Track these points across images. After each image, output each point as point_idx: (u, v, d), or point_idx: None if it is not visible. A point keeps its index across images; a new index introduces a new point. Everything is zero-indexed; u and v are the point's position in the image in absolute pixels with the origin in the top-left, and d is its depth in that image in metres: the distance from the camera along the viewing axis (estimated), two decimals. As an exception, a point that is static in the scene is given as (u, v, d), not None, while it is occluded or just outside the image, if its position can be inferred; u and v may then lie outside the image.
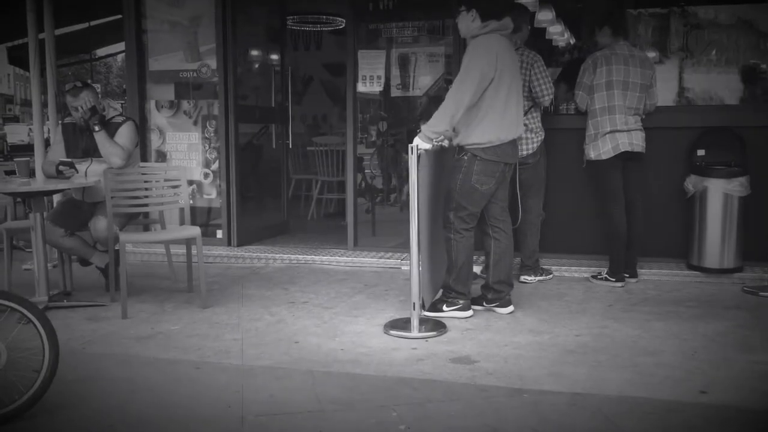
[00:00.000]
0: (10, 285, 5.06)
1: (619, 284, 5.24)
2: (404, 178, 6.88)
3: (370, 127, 7.34)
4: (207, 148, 6.70)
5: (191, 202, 5.87)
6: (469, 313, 4.49)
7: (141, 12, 6.74)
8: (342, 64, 6.60)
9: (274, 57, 7.62)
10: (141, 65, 6.78)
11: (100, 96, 5.48)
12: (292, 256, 6.25)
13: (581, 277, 5.53)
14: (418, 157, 4.12)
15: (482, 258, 5.04)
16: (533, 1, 6.42)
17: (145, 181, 5.21)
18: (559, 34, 8.73)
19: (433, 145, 4.23)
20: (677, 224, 5.61)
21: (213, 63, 6.58)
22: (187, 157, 6.74)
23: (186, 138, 6.75)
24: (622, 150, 5.15)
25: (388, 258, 6.06)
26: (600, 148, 5.20)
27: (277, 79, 7.53)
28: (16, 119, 37.24)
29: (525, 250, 5.41)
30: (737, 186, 5.25)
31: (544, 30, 8.20)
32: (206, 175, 6.72)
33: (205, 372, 3.59)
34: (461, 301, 4.47)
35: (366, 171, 7.65)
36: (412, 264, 4.12)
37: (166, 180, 5.31)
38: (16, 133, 25.28)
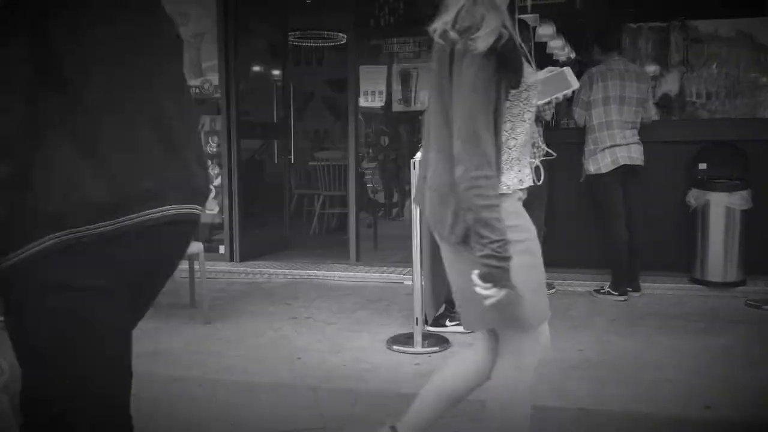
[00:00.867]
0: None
1: (622, 298, 5.23)
2: (406, 193, 6.89)
3: (372, 142, 7.37)
4: (209, 163, 6.72)
5: (194, 217, 5.86)
6: (472, 328, 4.47)
7: (144, 29, 6.76)
8: (344, 80, 6.63)
9: (276, 72, 7.66)
10: (143, 81, 6.79)
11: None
12: (295, 271, 6.24)
13: (584, 292, 5.52)
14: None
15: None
16: (534, 16, 6.44)
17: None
18: (559, 49, 8.75)
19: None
20: (679, 238, 5.60)
21: (215, 79, 6.60)
22: (190, 173, 6.74)
23: (188, 154, 6.75)
24: (622, 163, 5.16)
25: (391, 273, 6.06)
26: (599, 162, 5.21)
27: (279, 94, 7.55)
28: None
29: None
30: (739, 200, 5.26)
31: (544, 44, 8.22)
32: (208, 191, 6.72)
33: (207, 389, 3.58)
34: (464, 316, 4.45)
35: (368, 185, 7.66)
36: (415, 279, 4.12)
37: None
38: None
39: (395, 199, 8.42)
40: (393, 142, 6.98)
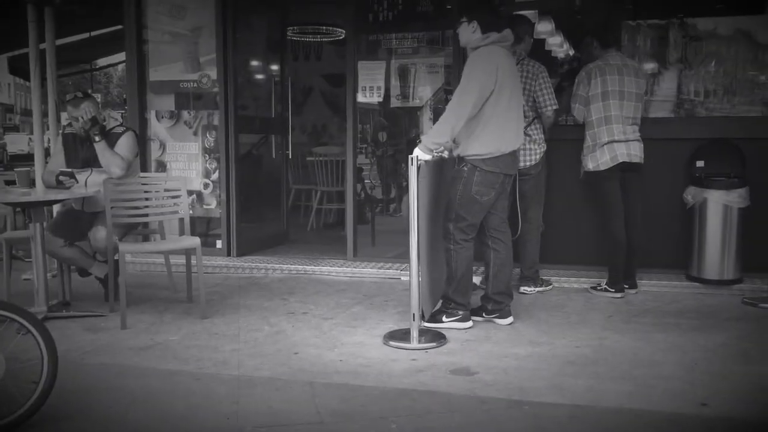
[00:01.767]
0: (9, 295, 5.06)
1: (618, 295, 5.24)
2: (404, 189, 6.88)
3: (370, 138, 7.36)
4: (207, 158, 6.71)
5: (191, 212, 5.86)
6: (469, 324, 4.48)
7: (142, 23, 6.76)
8: (342, 75, 6.62)
9: (274, 67, 7.65)
10: (141, 75, 6.80)
11: (100, 106, 5.49)
12: (292, 267, 6.24)
13: (581, 288, 5.52)
14: (418, 167, 4.12)
15: (482, 269, 5.04)
16: (533, 12, 6.44)
17: (145, 192, 5.21)
18: (558, 46, 8.76)
19: (433, 156, 4.23)
20: (677, 235, 5.61)
21: (213, 73, 6.60)
22: (187, 168, 6.75)
23: (186, 148, 6.76)
24: (621, 161, 5.15)
25: (388, 268, 6.06)
26: (598, 159, 5.20)
27: (277, 89, 7.54)
28: (16, 129, 37.31)
29: (525, 261, 5.40)
30: (736, 197, 5.26)
31: (543, 41, 8.23)
32: (206, 186, 6.73)
33: (203, 383, 3.58)
34: (461, 312, 4.47)
35: (366, 181, 7.65)
36: (412, 274, 4.12)
37: (165, 190, 5.30)
38: (16, 143, 25.34)
39: (393, 194, 8.41)
40: (391, 137, 6.97)
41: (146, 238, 6.06)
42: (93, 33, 10.29)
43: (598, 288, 5.35)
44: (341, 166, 7.81)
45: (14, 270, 5.44)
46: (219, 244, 6.68)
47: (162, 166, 6.80)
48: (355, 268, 6.15)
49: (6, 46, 10.11)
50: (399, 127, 6.95)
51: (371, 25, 6.38)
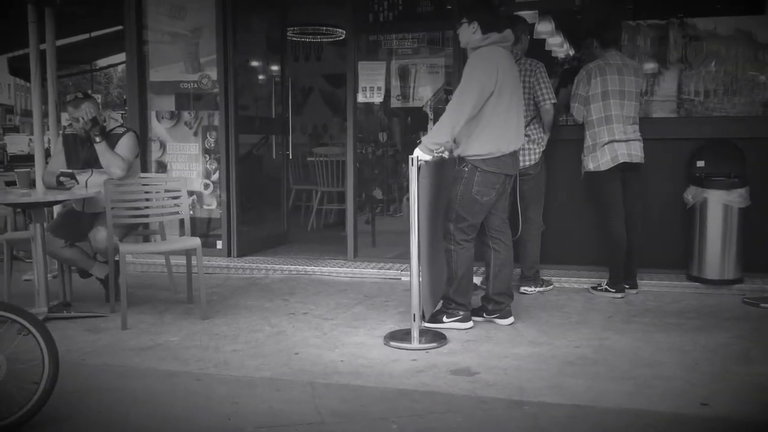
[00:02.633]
0: (9, 296, 5.06)
1: (619, 295, 5.24)
2: (404, 189, 6.88)
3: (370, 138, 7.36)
4: (207, 158, 6.71)
5: (191, 212, 5.87)
6: (470, 324, 4.48)
7: (142, 23, 6.76)
8: (342, 75, 6.62)
9: (275, 68, 7.65)
10: (142, 76, 6.80)
11: (100, 107, 5.49)
12: (292, 267, 6.24)
13: (581, 288, 5.52)
14: (418, 168, 4.12)
15: (482, 269, 5.04)
16: (532, 13, 6.44)
17: (146, 192, 5.21)
18: (558, 46, 8.76)
19: (433, 157, 4.23)
20: (677, 235, 5.61)
21: (213, 74, 6.60)
22: (188, 168, 6.75)
23: (186, 149, 6.76)
24: (621, 161, 5.15)
25: (388, 269, 6.06)
26: (599, 159, 5.20)
27: (278, 89, 7.54)
28: (16, 129, 37.33)
29: (525, 261, 5.40)
30: (737, 197, 5.26)
31: (543, 41, 8.22)
32: (206, 186, 6.73)
33: (204, 383, 3.58)
34: (461, 313, 4.47)
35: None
36: (412, 275, 4.12)
37: (166, 191, 5.30)
38: (16, 144, 25.35)
39: (393, 194, 8.41)
40: (391, 138, 6.98)
41: (147, 239, 6.06)
42: (93, 33, 10.30)
43: (599, 288, 5.34)
44: (342, 167, 7.81)
45: (15, 271, 5.44)
46: (219, 244, 6.68)
47: (162, 167, 6.80)
48: (355, 268, 6.15)
49: (6, 47, 10.11)
50: (399, 128, 6.95)
51: (371, 26, 6.38)
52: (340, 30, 9.42)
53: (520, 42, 5.25)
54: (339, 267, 6.20)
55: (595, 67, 5.22)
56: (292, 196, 8.61)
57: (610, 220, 5.26)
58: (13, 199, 4.66)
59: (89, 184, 4.99)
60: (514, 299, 4.70)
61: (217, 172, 6.67)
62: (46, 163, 5.70)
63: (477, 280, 5.04)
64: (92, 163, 5.02)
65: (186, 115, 6.76)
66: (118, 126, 5.16)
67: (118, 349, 4.16)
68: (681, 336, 4.29)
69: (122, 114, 9.79)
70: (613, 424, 3.04)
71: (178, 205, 5.13)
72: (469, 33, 4.41)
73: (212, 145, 6.67)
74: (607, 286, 5.29)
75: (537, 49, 7.31)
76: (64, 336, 4.28)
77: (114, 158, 4.94)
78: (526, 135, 5.11)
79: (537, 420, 3.10)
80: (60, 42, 6.94)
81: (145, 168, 6.61)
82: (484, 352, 4.03)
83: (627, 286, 5.32)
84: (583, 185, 5.48)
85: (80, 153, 5.08)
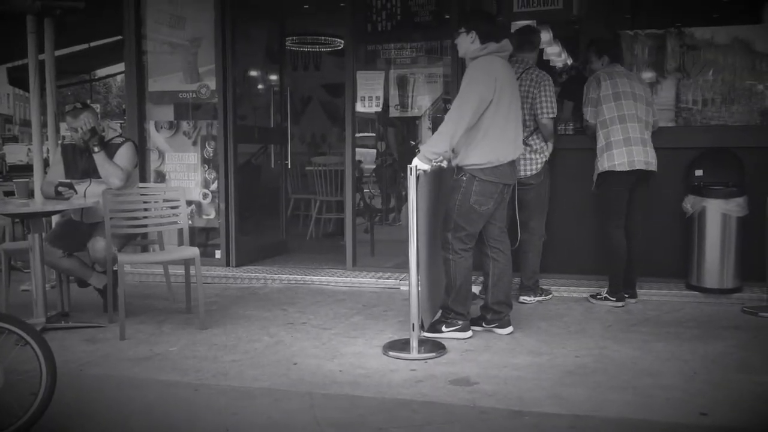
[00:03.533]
0: (7, 306, 5.05)
1: (619, 304, 5.22)
2: (403, 198, 6.89)
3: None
4: (206, 168, 6.71)
5: (190, 222, 5.86)
6: (469, 333, 4.47)
7: (141, 33, 6.77)
8: (341, 85, 6.63)
9: (273, 77, 7.66)
10: (140, 86, 6.81)
11: (99, 117, 5.49)
12: (291, 277, 6.24)
13: (580, 297, 5.52)
14: (417, 177, 4.12)
15: (481, 278, 5.03)
16: (531, 23, 6.46)
17: (144, 202, 5.21)
18: (556, 55, 8.79)
19: (431, 166, 4.24)
20: (676, 244, 5.61)
21: (212, 84, 6.60)
22: (186, 178, 6.75)
23: (185, 158, 6.76)
24: (637, 168, 5.08)
25: (387, 278, 6.05)
26: (614, 159, 5.08)
27: (276, 99, 7.56)
28: (15, 139, 37.35)
29: (526, 270, 5.39)
30: (735, 206, 5.26)
31: (541, 51, 8.25)
32: (205, 196, 6.73)
33: (203, 394, 3.57)
34: (460, 322, 4.46)
35: (365, 191, 7.66)
36: (411, 284, 4.12)
37: (165, 200, 5.30)
38: (15, 153, 25.35)
39: (392, 204, 8.42)
40: (390, 147, 6.99)
41: (145, 249, 6.06)
42: (92, 44, 10.33)
43: (598, 297, 5.33)
44: (340, 176, 7.81)
45: (13, 281, 5.43)
46: (218, 254, 6.67)
47: (161, 177, 6.80)
48: (354, 277, 6.14)
49: (5, 57, 10.13)
50: (398, 137, 6.96)
51: (370, 35, 6.39)
52: (339, 39, 9.45)
53: (535, 50, 5.35)
54: (338, 276, 6.19)
55: (604, 72, 5.21)
56: (290, 206, 8.62)
57: (610, 228, 5.24)
58: (11, 210, 4.65)
59: (88, 194, 4.99)
60: (513, 308, 4.69)
61: (216, 182, 6.67)
62: (45, 173, 5.70)
63: (476, 289, 5.03)
64: (91, 173, 5.01)
65: (185, 125, 6.77)
66: (117, 136, 5.17)
67: (117, 359, 4.15)
68: (680, 345, 4.28)
69: (121, 124, 9.80)
70: (613, 434, 3.04)
71: (177, 215, 5.12)
72: (467, 43, 4.43)
73: (211, 154, 6.68)
74: (607, 295, 5.28)
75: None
76: (62, 346, 4.26)
77: (113, 168, 4.94)
78: (528, 145, 5.11)
79: (537, 430, 3.09)
80: (59, 52, 6.95)
81: (143, 178, 6.61)
82: (483, 361, 4.03)
83: (627, 295, 5.31)
84: (583, 193, 5.46)
85: (79, 163, 5.08)
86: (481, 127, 4.28)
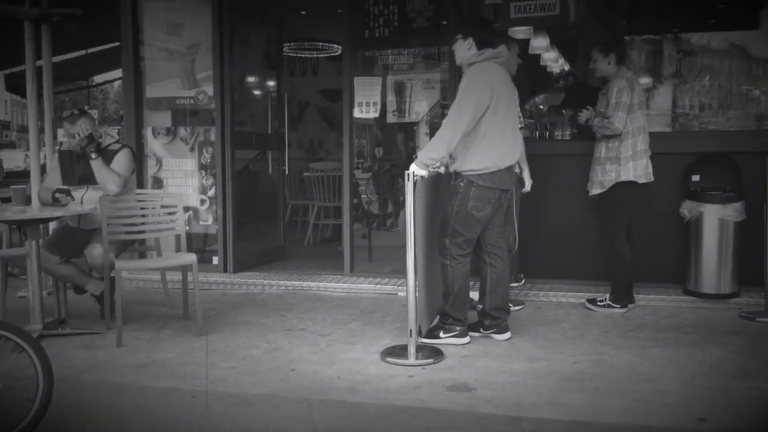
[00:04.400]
0: (4, 313, 5.04)
1: (623, 310, 5.21)
2: (401, 204, 6.89)
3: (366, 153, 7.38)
4: (203, 174, 6.71)
5: (187, 228, 5.85)
6: (467, 339, 4.47)
7: (138, 39, 6.78)
8: (338, 90, 6.64)
9: (271, 83, 7.67)
10: (138, 92, 6.81)
11: (97, 123, 5.49)
12: (289, 283, 6.23)
13: (577, 303, 5.51)
14: (415, 183, 4.12)
15: (478, 284, 5.03)
16: (528, 28, 6.47)
17: (142, 208, 5.21)
18: (553, 61, 8.81)
19: (429, 172, 4.24)
20: (673, 249, 5.61)
21: (210, 90, 6.61)
22: (184, 184, 6.74)
23: (182, 164, 6.76)
24: (652, 180, 5.16)
25: (385, 284, 6.05)
26: (638, 170, 5.09)
27: (274, 105, 7.56)
28: (12, 145, 37.29)
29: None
30: (732, 211, 5.27)
31: (538, 57, 8.27)
32: (202, 202, 6.72)
33: (201, 400, 3.56)
34: (458, 328, 4.46)
35: (362, 196, 7.66)
36: (409, 290, 4.11)
37: (162, 207, 5.30)
38: (12, 160, 25.31)
39: (390, 209, 8.42)
40: (387, 153, 7.00)
41: (142, 255, 6.04)
42: (90, 50, 10.33)
43: (600, 302, 5.29)
44: (338, 182, 7.81)
45: (10, 287, 5.42)
46: (215, 260, 6.66)
47: (158, 183, 6.80)
48: (352, 283, 6.13)
49: (3, 63, 10.14)
50: (395, 143, 6.97)
51: (367, 41, 6.40)
52: (337, 45, 9.46)
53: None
54: (335, 282, 6.19)
55: (633, 77, 5.22)
56: (288, 211, 8.62)
57: (619, 237, 5.19)
58: (8, 216, 4.65)
59: (85, 200, 4.99)
60: (511, 314, 4.69)
61: (213, 188, 6.66)
62: (42, 179, 5.69)
63: (473, 295, 5.03)
64: (88, 179, 5.01)
65: (182, 131, 6.77)
66: (114, 142, 5.16)
67: (114, 366, 4.14)
68: (678, 351, 4.28)
69: (118, 130, 9.80)
70: (611, 440, 3.03)
71: (174, 221, 5.12)
72: (464, 49, 4.43)
73: (208, 160, 6.68)
74: (610, 302, 5.24)
75: (531, 65, 7.36)
76: (59, 353, 4.25)
77: (110, 174, 4.93)
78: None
79: (535, 436, 3.08)
80: (57, 58, 6.95)
81: (141, 184, 6.61)
82: (481, 367, 4.02)
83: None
84: (581, 200, 5.45)
85: (76, 169, 5.07)
86: (478, 132, 4.28)
